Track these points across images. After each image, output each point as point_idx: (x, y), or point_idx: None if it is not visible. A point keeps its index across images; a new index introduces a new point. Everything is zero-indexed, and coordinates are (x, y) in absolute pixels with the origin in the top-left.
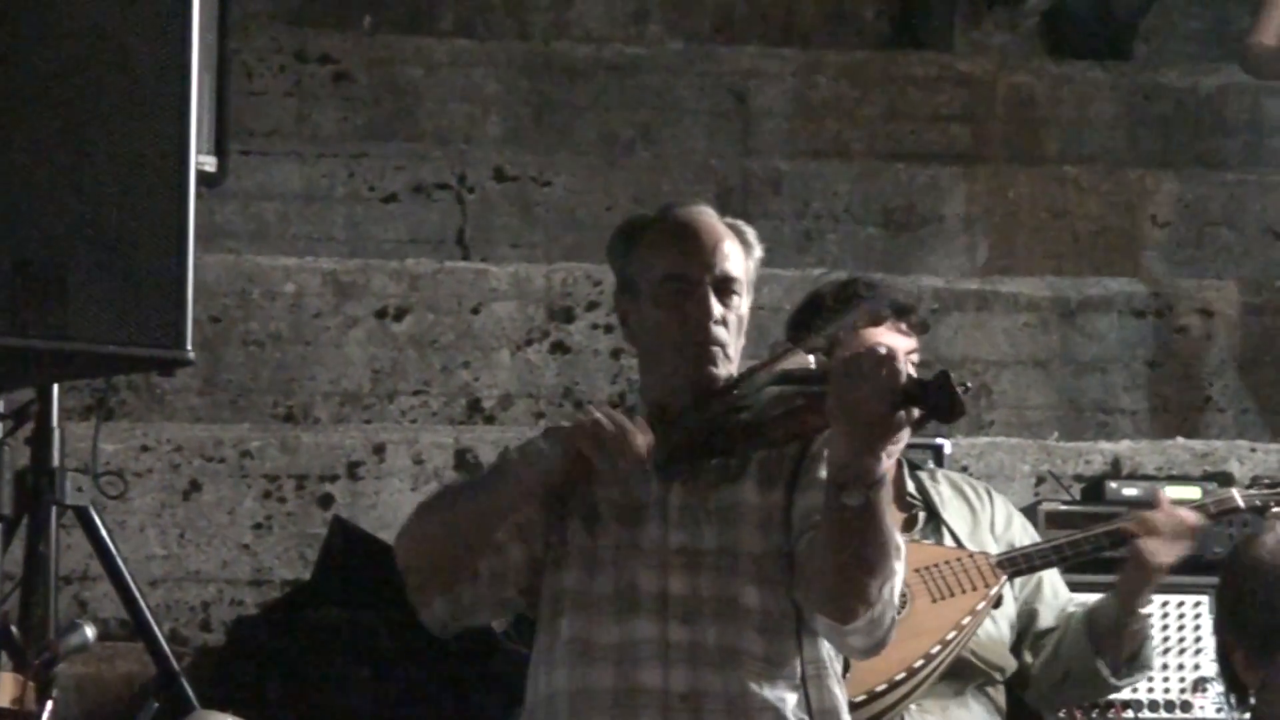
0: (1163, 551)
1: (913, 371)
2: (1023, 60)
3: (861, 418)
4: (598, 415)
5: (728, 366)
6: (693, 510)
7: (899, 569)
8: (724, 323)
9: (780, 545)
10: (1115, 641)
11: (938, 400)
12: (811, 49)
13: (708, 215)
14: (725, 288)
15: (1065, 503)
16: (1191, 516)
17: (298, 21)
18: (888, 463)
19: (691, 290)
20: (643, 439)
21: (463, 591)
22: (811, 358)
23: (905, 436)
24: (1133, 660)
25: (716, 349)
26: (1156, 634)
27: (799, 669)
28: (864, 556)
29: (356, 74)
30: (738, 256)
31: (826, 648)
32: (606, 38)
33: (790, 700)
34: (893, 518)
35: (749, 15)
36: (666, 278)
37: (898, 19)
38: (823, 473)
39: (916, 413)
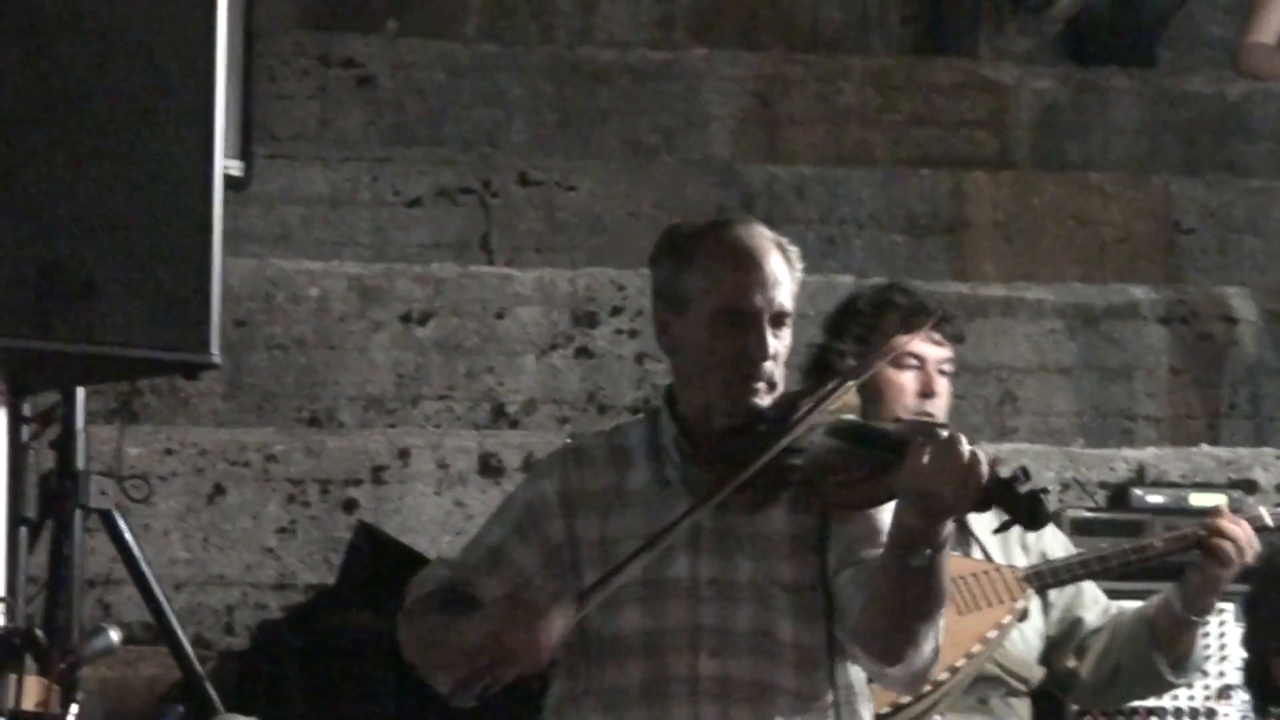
0: (1243, 555)
1: (944, 390)
2: (1047, 66)
3: (938, 507)
4: (509, 623)
5: (770, 397)
6: (725, 539)
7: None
8: (774, 356)
9: (814, 575)
10: (1174, 639)
11: (1024, 510)
12: (836, 55)
13: (763, 238)
14: (779, 320)
15: (1090, 510)
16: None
17: (322, 26)
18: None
19: (750, 324)
20: (552, 634)
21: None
22: (854, 392)
23: None
24: (1185, 660)
25: (763, 385)
26: None
27: (830, 698)
28: (921, 610)
29: (381, 78)
30: (789, 284)
31: (856, 673)
32: (631, 43)
33: None
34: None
35: (774, 21)
36: (725, 309)
37: (922, 25)
38: None
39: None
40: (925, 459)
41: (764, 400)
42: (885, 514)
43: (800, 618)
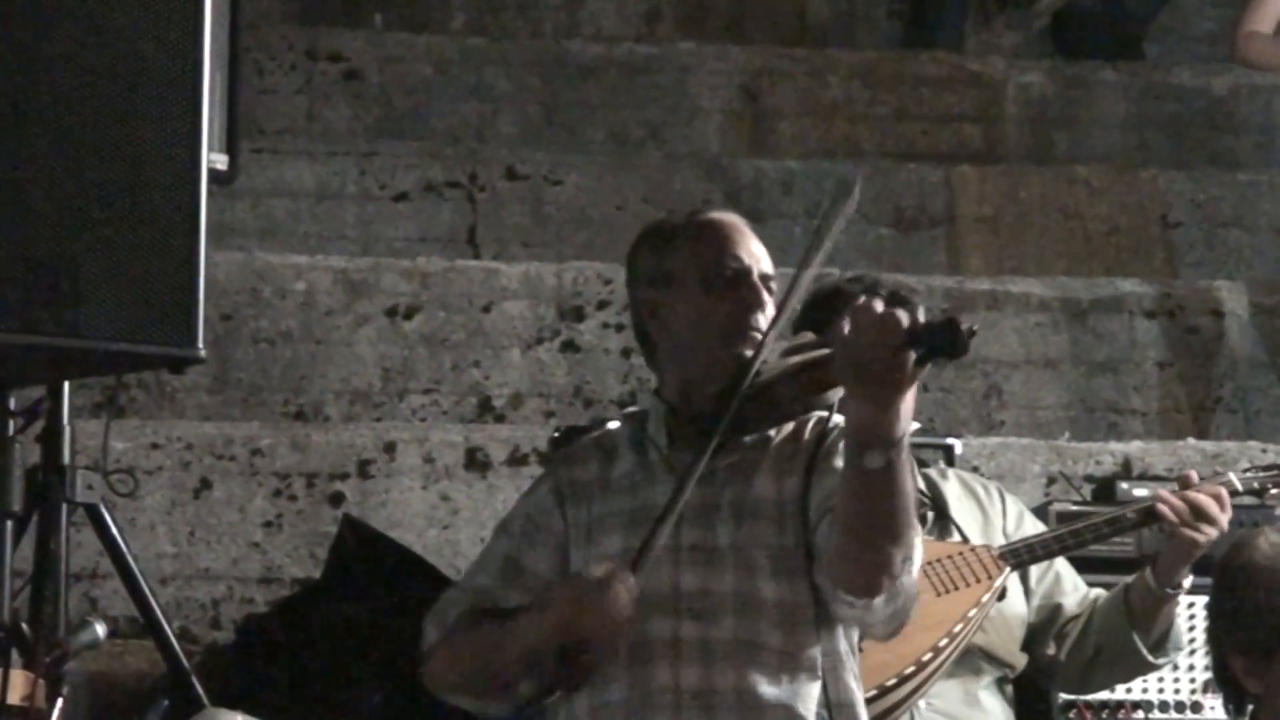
0: (1203, 527)
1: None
2: (1034, 60)
3: (870, 368)
4: (576, 606)
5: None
6: (706, 509)
7: (919, 544)
8: (765, 313)
9: (797, 537)
10: (1150, 618)
11: (942, 337)
12: (823, 49)
13: (741, 220)
14: (766, 284)
15: (1076, 503)
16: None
17: (309, 20)
18: (906, 422)
19: (742, 278)
20: (626, 603)
21: (497, 704)
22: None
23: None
24: (1164, 639)
25: (758, 335)
26: None
27: (818, 661)
28: (886, 523)
29: (367, 72)
30: (769, 260)
31: (843, 641)
32: (618, 37)
33: (805, 693)
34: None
35: (760, 15)
36: (716, 265)
37: (909, 19)
38: (840, 462)
39: (923, 359)
40: (848, 323)
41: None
42: None
43: (782, 577)
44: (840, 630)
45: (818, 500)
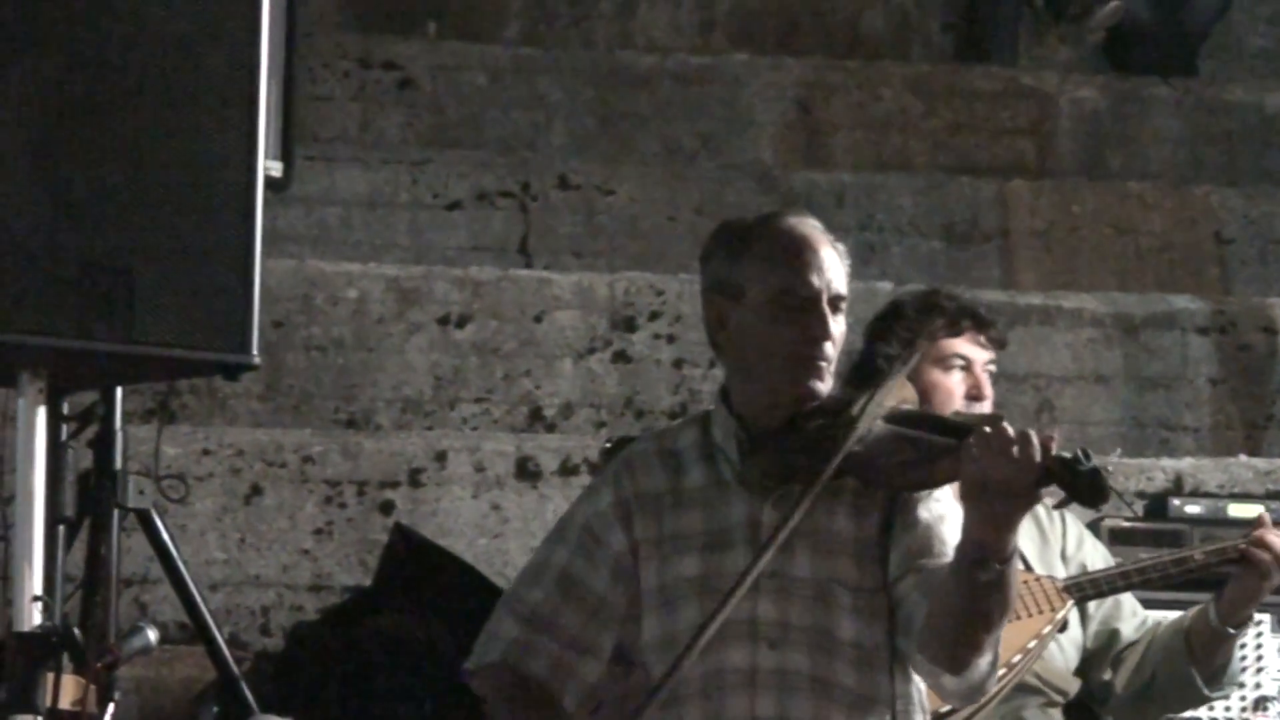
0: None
1: (990, 394)
2: (1088, 75)
3: (1001, 494)
4: None
5: (828, 383)
6: (786, 537)
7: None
8: (833, 338)
9: (876, 580)
10: (1210, 652)
11: (1084, 486)
12: (877, 61)
13: (815, 227)
14: (836, 305)
15: (1128, 520)
16: None
17: (363, 28)
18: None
19: (810, 306)
20: None
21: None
22: (910, 388)
23: None
24: (1221, 673)
25: (824, 364)
26: None
27: (891, 705)
28: (986, 619)
29: (421, 81)
30: (843, 273)
31: (916, 683)
32: (671, 47)
33: None
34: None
35: (814, 27)
36: (785, 291)
37: (963, 32)
38: (922, 513)
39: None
40: (980, 445)
41: (824, 385)
42: (945, 526)
43: (861, 617)
44: (913, 673)
45: (900, 555)
